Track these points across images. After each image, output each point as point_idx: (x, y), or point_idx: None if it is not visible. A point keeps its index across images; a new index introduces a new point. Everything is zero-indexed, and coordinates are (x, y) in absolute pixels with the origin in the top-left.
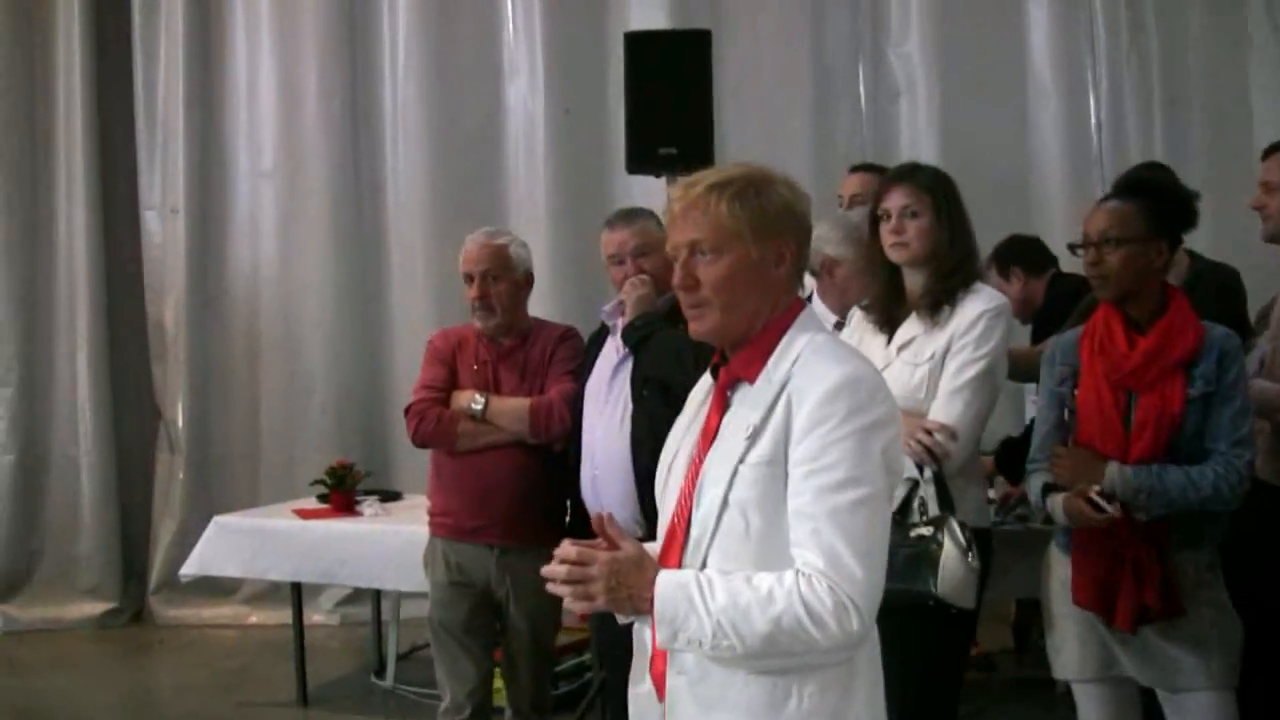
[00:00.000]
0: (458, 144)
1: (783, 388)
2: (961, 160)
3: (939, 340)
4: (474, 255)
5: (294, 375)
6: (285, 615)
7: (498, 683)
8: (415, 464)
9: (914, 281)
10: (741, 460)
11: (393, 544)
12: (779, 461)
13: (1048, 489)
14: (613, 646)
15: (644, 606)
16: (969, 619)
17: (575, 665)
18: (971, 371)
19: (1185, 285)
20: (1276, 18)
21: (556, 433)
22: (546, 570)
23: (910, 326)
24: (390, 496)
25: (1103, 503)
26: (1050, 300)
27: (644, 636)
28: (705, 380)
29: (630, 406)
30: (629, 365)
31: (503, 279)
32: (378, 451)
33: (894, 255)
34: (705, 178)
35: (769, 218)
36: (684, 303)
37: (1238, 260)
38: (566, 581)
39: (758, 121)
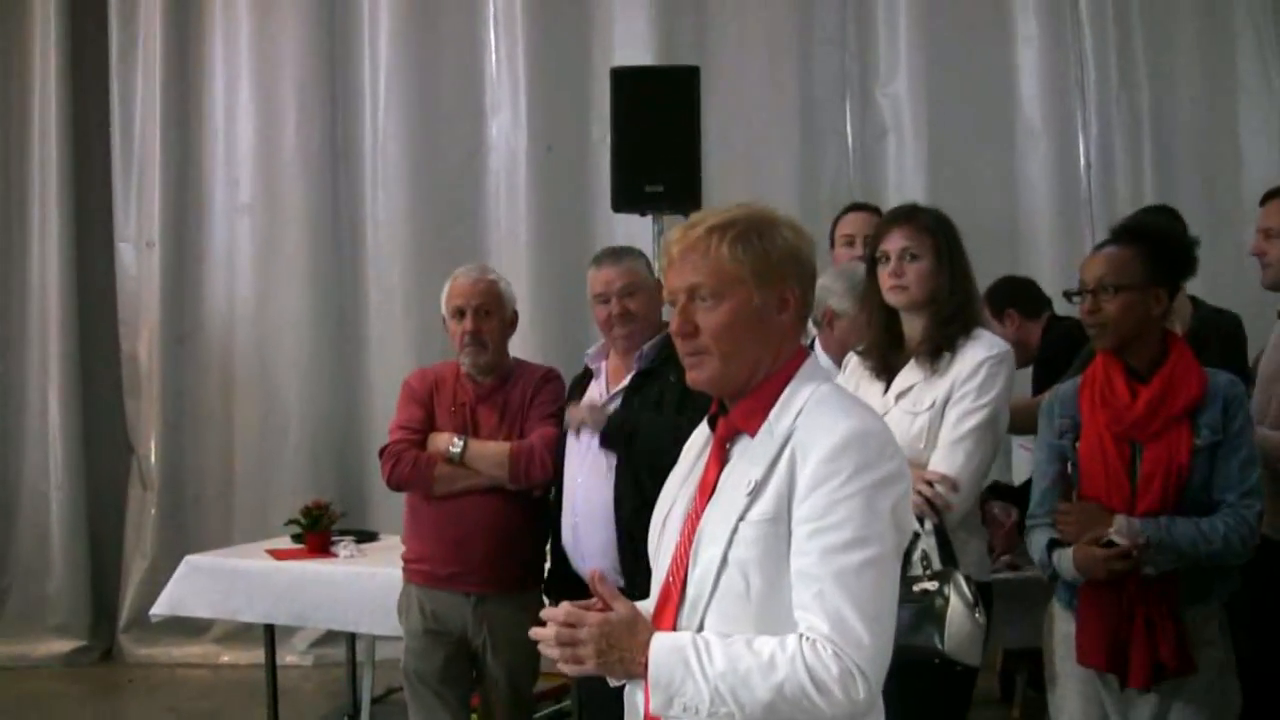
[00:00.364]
0: (439, 180)
1: (786, 441)
2: (949, 201)
3: (939, 388)
4: (467, 289)
5: (269, 413)
6: (258, 655)
7: None
8: (391, 504)
9: (912, 327)
10: (742, 518)
11: (368, 586)
12: (782, 519)
13: (1053, 545)
14: (594, 694)
15: (637, 670)
16: (971, 676)
17: (553, 712)
18: (973, 421)
19: (1190, 333)
20: (1268, 62)
21: (537, 479)
22: (535, 632)
23: (909, 374)
24: (366, 537)
25: (1118, 538)
26: (1048, 345)
27: (635, 699)
28: (702, 431)
29: (614, 456)
30: (613, 410)
31: (494, 315)
32: (353, 491)
33: (892, 299)
34: (705, 219)
35: (772, 262)
36: (681, 350)
37: (1227, 305)
38: (556, 644)
39: (743, 160)
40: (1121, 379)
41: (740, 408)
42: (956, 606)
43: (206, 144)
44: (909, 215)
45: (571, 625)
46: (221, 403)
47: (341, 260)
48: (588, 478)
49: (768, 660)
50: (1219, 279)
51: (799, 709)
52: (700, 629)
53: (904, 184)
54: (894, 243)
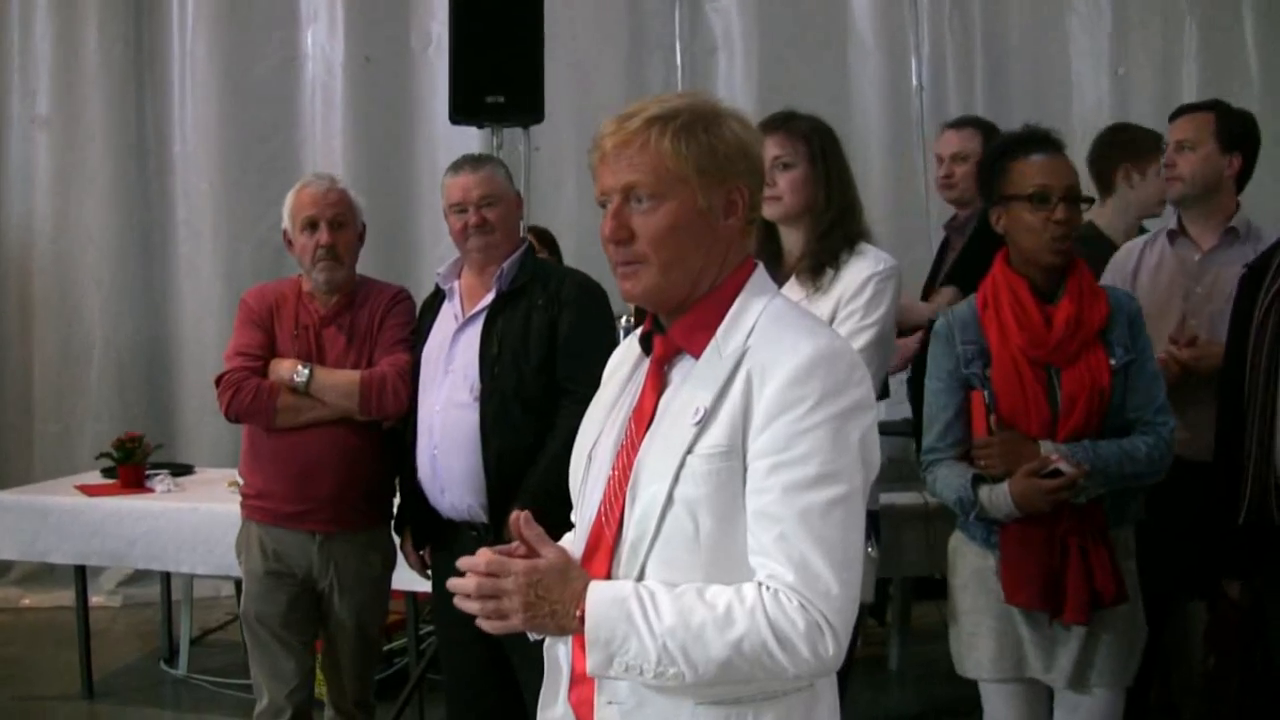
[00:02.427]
0: (250, 92)
1: (738, 363)
2: None
3: (824, 306)
4: (319, 199)
5: (70, 337)
6: (63, 597)
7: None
8: (206, 434)
9: (791, 241)
10: (690, 450)
11: (189, 522)
12: (736, 452)
13: (977, 481)
14: (448, 627)
15: (571, 624)
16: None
17: (386, 650)
18: (862, 340)
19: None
20: None
21: (390, 410)
22: (453, 584)
23: (790, 291)
24: (182, 470)
25: (1066, 466)
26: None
27: (557, 653)
28: (629, 350)
29: (477, 380)
30: (471, 333)
31: (348, 227)
32: (163, 421)
33: (765, 210)
34: (644, 109)
35: (720, 158)
36: (614, 258)
37: None
38: (477, 597)
39: (570, 72)
40: (1029, 297)
41: (681, 325)
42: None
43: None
44: (781, 122)
45: (494, 575)
46: (19, 327)
47: (146, 175)
48: (447, 405)
49: (723, 613)
50: None
51: (759, 667)
52: (641, 577)
53: (734, 99)
54: (766, 151)
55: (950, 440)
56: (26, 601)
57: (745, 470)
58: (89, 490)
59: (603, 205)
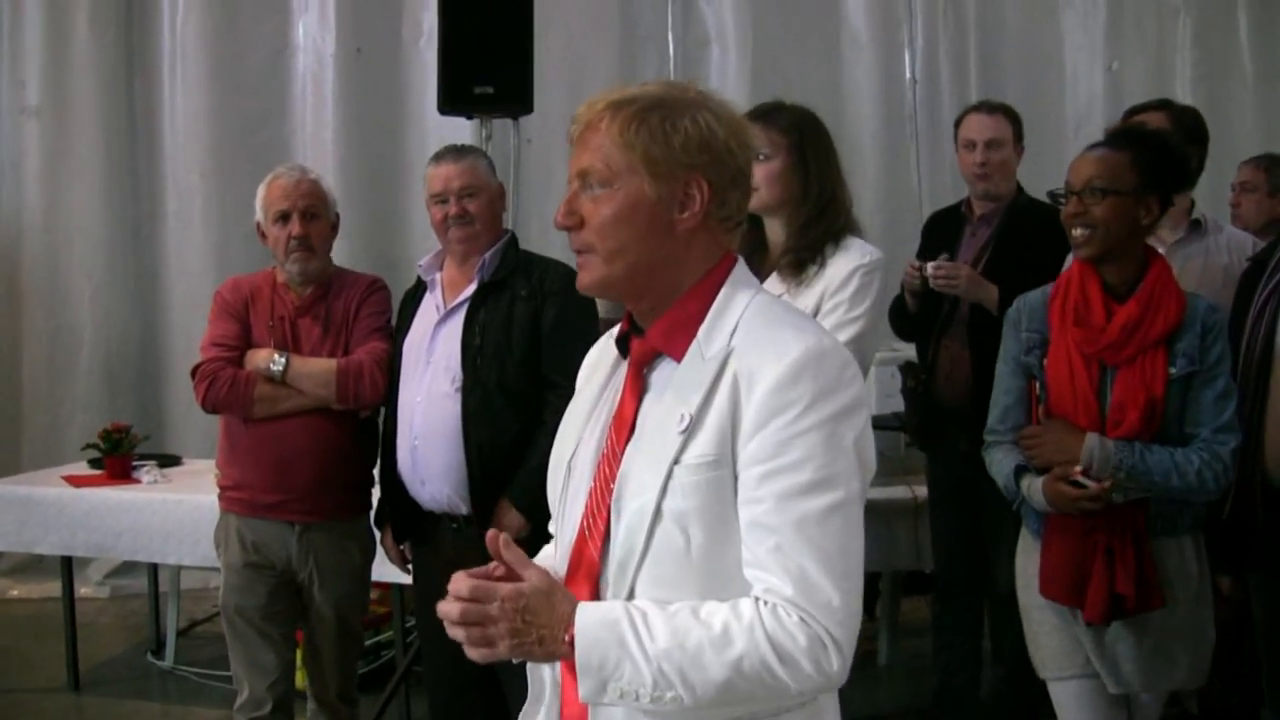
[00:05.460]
0: (241, 83)
1: (723, 366)
2: None
3: (807, 300)
4: (291, 190)
5: (59, 329)
6: (50, 589)
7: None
8: (194, 426)
9: (774, 233)
10: (677, 460)
11: (175, 514)
12: (725, 461)
13: (1020, 472)
14: (429, 622)
15: (560, 649)
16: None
17: (373, 643)
18: (846, 334)
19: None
20: None
21: (368, 398)
22: (442, 610)
23: (772, 285)
24: (169, 462)
25: (1086, 480)
26: None
27: (541, 673)
28: (605, 353)
29: (459, 371)
30: (453, 324)
31: (321, 218)
32: (151, 412)
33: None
34: (610, 93)
35: (673, 149)
36: (571, 246)
37: None
38: (461, 624)
39: (561, 64)
40: (1098, 295)
41: (659, 326)
42: None
43: None
44: (763, 114)
45: (478, 601)
46: (7, 317)
47: (137, 165)
48: (429, 398)
49: (720, 632)
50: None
51: (761, 686)
52: (630, 596)
53: (725, 93)
54: None
55: (1009, 424)
56: (15, 593)
57: (736, 479)
58: (75, 481)
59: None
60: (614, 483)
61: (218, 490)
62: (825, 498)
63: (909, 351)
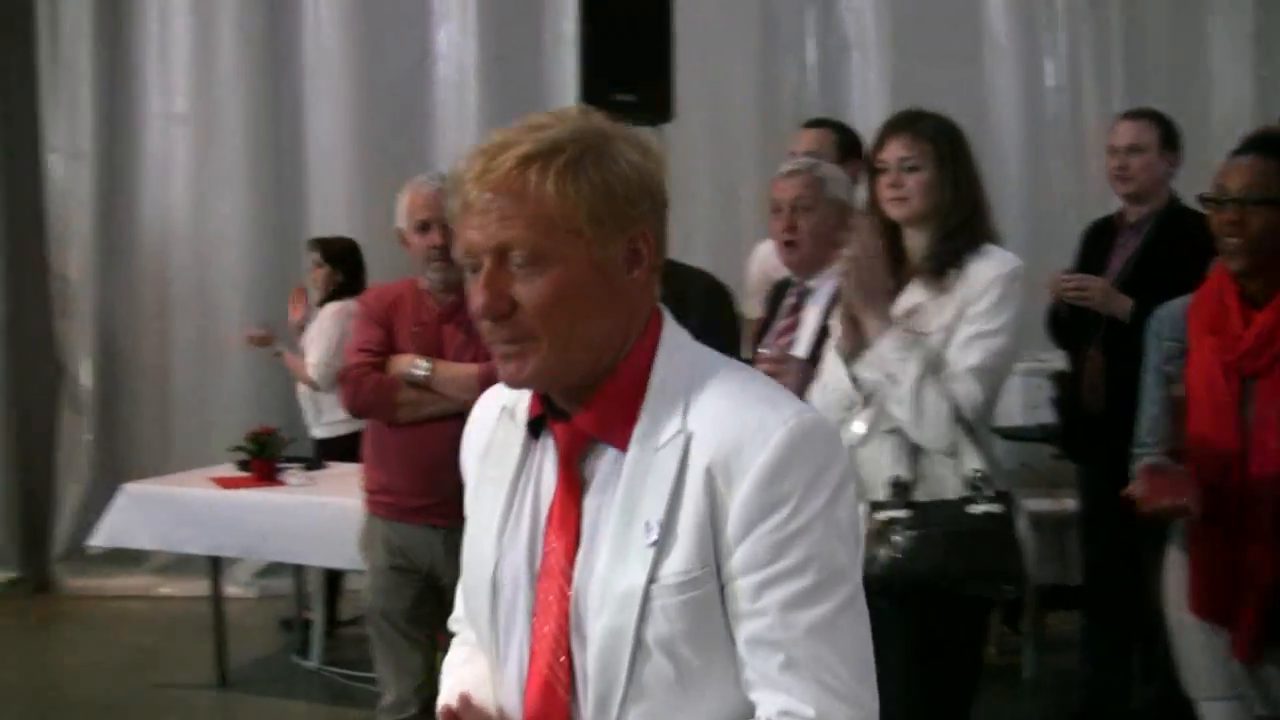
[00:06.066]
0: (383, 90)
1: (684, 456)
2: None
3: (947, 309)
4: (432, 200)
5: (208, 333)
6: (199, 587)
7: None
8: None
9: (915, 242)
10: (653, 579)
11: (319, 517)
12: (711, 574)
13: None
14: None
15: None
16: (989, 604)
17: None
18: (985, 350)
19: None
20: None
21: None
22: None
23: (913, 293)
24: (315, 465)
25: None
26: None
27: None
28: (505, 435)
29: None
30: None
31: None
32: (298, 416)
33: (892, 211)
34: (512, 141)
35: (618, 200)
36: (492, 338)
37: None
38: None
39: (700, 73)
40: (1235, 303)
41: (592, 409)
42: (1023, 527)
43: (139, 50)
44: (908, 123)
45: None
46: (158, 322)
47: (281, 172)
48: None
49: None
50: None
51: None
52: None
53: (866, 100)
54: (892, 152)
55: (1156, 436)
56: (165, 590)
57: (722, 589)
58: (223, 482)
59: (471, 270)
60: (567, 604)
61: (363, 494)
62: (833, 599)
63: (1055, 361)
